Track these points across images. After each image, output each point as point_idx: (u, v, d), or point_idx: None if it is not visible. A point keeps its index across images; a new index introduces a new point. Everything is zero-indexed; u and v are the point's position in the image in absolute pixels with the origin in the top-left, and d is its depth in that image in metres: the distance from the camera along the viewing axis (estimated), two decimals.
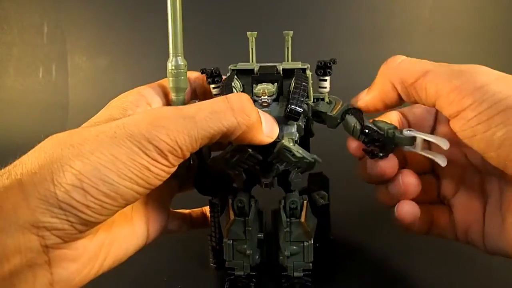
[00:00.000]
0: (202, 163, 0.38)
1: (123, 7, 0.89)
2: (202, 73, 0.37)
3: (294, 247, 0.37)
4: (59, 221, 0.25)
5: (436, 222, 0.39)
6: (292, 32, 0.37)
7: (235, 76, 0.35)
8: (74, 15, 0.90)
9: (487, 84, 0.28)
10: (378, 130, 0.34)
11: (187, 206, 0.44)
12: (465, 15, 0.89)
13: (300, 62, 0.36)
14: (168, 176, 0.29)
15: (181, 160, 0.28)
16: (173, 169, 0.29)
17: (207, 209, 0.42)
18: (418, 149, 0.33)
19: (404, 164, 0.40)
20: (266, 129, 0.31)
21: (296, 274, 0.38)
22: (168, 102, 0.37)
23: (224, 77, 0.36)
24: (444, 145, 0.31)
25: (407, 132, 0.33)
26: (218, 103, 0.29)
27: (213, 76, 0.36)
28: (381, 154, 0.34)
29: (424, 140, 0.33)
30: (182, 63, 0.33)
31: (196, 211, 0.44)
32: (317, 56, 0.37)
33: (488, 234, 0.35)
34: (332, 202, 0.40)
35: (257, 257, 0.39)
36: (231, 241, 0.38)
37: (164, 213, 0.39)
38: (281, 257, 0.39)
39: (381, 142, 0.34)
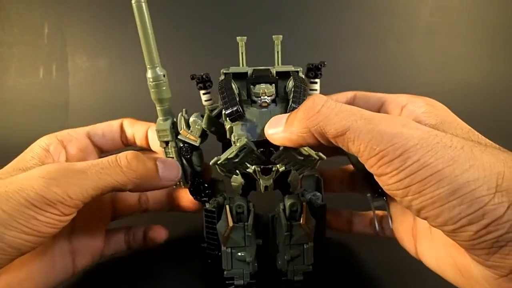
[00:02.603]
0: (194, 171, 0.38)
1: (123, 8, 0.89)
2: (192, 78, 0.36)
3: (295, 251, 0.37)
4: None
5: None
6: (281, 36, 0.37)
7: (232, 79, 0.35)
8: (75, 16, 0.90)
9: (407, 150, 0.26)
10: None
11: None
12: (465, 15, 0.89)
13: (292, 66, 0.36)
14: (64, 224, 0.31)
15: (74, 210, 0.31)
16: (68, 217, 0.31)
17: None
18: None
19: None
20: (163, 174, 0.35)
21: (296, 278, 0.37)
22: (87, 145, 0.40)
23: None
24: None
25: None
26: (108, 160, 0.33)
27: (204, 81, 0.36)
28: (384, 198, 0.39)
29: None
30: (161, 73, 0.33)
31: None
32: (314, 59, 0.37)
33: (420, 247, 0.35)
34: (325, 202, 0.40)
35: (255, 264, 0.38)
36: (230, 249, 0.37)
37: (96, 242, 0.41)
38: (279, 262, 0.38)
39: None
